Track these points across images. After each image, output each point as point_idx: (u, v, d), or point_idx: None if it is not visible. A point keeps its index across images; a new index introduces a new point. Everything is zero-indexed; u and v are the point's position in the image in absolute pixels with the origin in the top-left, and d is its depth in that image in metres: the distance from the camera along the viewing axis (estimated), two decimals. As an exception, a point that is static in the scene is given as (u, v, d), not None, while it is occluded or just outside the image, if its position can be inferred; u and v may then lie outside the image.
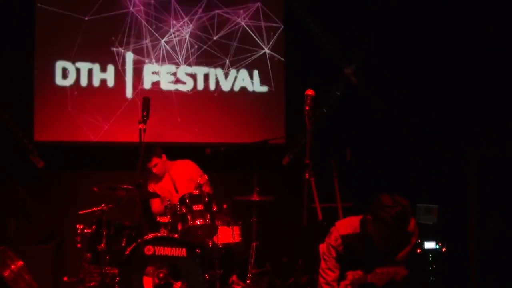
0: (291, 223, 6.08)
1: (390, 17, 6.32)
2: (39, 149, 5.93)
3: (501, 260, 5.29)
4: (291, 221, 6.10)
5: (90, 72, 6.10)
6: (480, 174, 5.56)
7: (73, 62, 6.06)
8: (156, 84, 6.25)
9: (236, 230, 5.16)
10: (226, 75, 6.42)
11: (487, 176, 5.51)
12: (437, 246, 5.43)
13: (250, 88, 6.46)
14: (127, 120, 6.08)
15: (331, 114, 6.48)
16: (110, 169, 5.98)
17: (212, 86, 6.38)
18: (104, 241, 4.63)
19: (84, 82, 6.10)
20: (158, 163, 5.39)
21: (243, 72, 6.45)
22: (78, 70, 6.07)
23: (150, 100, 4.46)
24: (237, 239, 5.15)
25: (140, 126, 4.31)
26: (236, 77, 6.43)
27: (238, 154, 5.97)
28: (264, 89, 6.50)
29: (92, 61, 6.11)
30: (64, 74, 6.05)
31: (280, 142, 6.23)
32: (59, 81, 6.06)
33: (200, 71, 6.35)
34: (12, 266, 4.33)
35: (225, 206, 5.23)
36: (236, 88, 6.43)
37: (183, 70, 6.31)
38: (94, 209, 4.78)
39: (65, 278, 4.92)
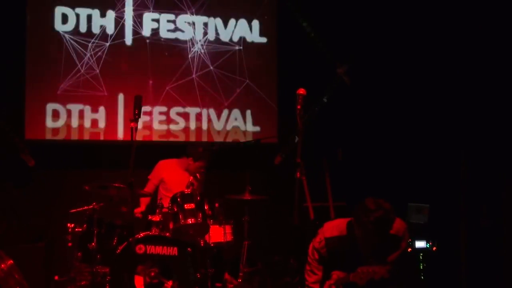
0: (283, 222, 6.06)
1: (383, 16, 6.34)
2: (30, 148, 5.90)
3: (492, 259, 5.33)
4: (283, 220, 6.08)
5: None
6: (471, 174, 5.59)
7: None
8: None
9: (228, 229, 5.16)
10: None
11: (478, 175, 5.54)
12: (428, 245, 5.46)
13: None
14: (119, 119, 6.08)
15: (323, 114, 6.50)
16: (102, 168, 5.96)
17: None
18: (95, 240, 4.60)
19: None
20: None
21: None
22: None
23: (142, 98, 4.45)
24: (229, 238, 5.14)
25: (132, 124, 4.30)
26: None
27: (230, 153, 5.97)
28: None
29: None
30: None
31: (272, 141, 6.24)
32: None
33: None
34: (2, 265, 4.30)
35: (217, 205, 5.22)
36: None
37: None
38: (85, 207, 4.76)
39: (56, 277, 4.88)
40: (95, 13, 6.10)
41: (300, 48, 6.50)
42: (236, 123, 6.47)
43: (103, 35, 6.11)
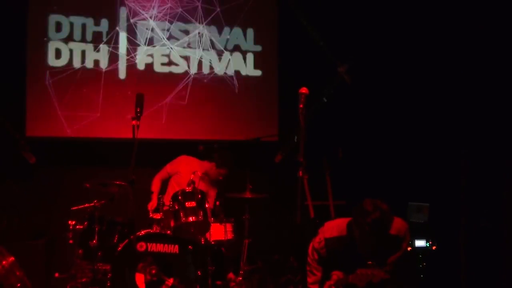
0: (283, 221, 6.10)
1: (384, 15, 6.34)
2: (31, 145, 5.89)
3: (491, 258, 5.34)
4: (283, 218, 6.12)
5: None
6: (471, 173, 5.60)
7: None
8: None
9: (229, 227, 5.18)
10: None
11: (478, 175, 5.55)
12: (428, 245, 5.47)
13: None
14: (120, 116, 6.08)
15: (323, 113, 6.49)
16: (103, 165, 5.97)
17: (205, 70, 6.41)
18: (96, 237, 4.63)
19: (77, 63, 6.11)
20: None
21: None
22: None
23: (144, 96, 4.45)
24: (230, 236, 5.16)
25: (134, 122, 4.29)
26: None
27: (231, 152, 5.97)
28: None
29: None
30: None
31: (273, 140, 6.24)
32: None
33: (193, 53, 6.34)
34: (4, 262, 4.31)
35: (217, 203, 5.24)
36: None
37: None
38: (87, 205, 4.77)
39: (57, 274, 4.90)
40: (89, 47, 6.12)
41: (301, 47, 6.50)
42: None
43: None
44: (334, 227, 3.76)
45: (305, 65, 6.39)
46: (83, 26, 6.11)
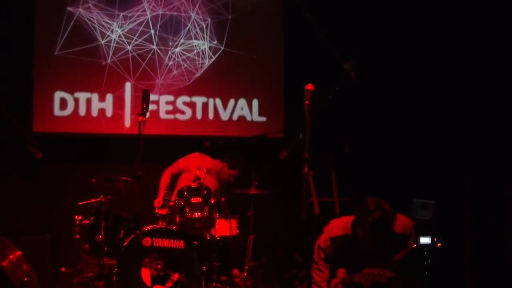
0: (288, 217, 6.10)
1: (390, 12, 6.32)
2: (38, 140, 5.93)
3: (496, 256, 5.33)
4: (288, 214, 6.12)
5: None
6: (476, 170, 5.59)
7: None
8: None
9: (234, 223, 5.18)
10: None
11: (483, 172, 5.55)
12: (433, 242, 5.46)
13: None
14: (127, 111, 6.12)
15: (329, 109, 6.50)
16: (109, 161, 5.99)
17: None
18: (102, 233, 4.64)
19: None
20: None
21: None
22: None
23: (150, 93, 4.47)
24: (235, 232, 5.17)
25: (140, 118, 4.31)
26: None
27: (236, 148, 5.99)
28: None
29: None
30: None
31: (278, 136, 6.24)
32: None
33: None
34: (11, 256, 4.35)
35: (223, 199, 5.25)
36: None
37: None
38: (93, 200, 4.79)
39: (63, 269, 4.92)
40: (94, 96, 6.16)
41: (307, 43, 6.50)
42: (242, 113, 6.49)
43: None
44: (340, 225, 3.76)
45: (311, 61, 6.38)
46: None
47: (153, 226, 4.78)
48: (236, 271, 5.33)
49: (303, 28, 6.46)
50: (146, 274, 4.60)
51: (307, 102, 3.47)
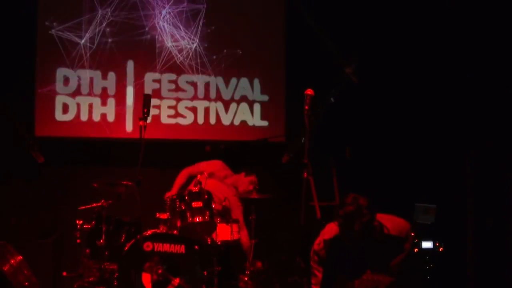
0: (289, 221, 6.08)
1: (392, 16, 6.32)
2: (40, 145, 5.95)
3: (499, 260, 5.32)
4: (290, 219, 6.09)
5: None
6: (478, 174, 5.58)
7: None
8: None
9: (235, 227, 5.17)
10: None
11: (485, 176, 5.53)
12: (435, 246, 5.44)
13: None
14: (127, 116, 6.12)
15: (330, 113, 6.49)
16: (110, 165, 6.00)
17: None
18: (103, 237, 4.65)
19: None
20: None
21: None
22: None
23: (151, 97, 4.47)
24: (236, 236, 5.16)
25: (141, 123, 4.31)
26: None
27: (238, 152, 5.99)
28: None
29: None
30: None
31: (280, 140, 6.24)
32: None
33: (200, 79, 6.36)
34: (12, 261, 4.36)
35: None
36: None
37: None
38: (94, 204, 4.79)
39: (64, 273, 4.93)
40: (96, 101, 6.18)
41: (308, 47, 6.50)
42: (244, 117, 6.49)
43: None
44: (333, 228, 3.73)
45: (313, 65, 6.39)
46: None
47: (154, 230, 4.77)
48: (238, 276, 5.32)
49: (304, 32, 6.47)
50: (147, 279, 4.58)
51: (306, 107, 3.47)
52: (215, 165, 5.48)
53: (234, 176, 5.52)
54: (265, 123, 6.49)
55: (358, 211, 3.41)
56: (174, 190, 5.27)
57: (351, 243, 3.52)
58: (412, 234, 3.79)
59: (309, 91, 3.51)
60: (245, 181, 5.46)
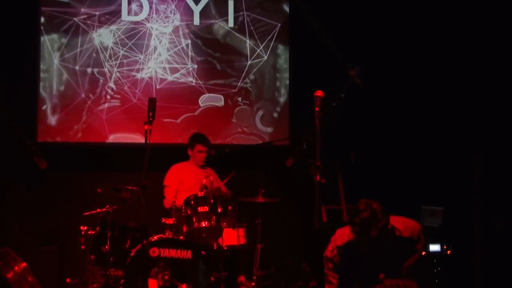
0: (296, 225, 6.06)
1: (397, 19, 6.30)
2: (43, 150, 5.89)
3: (507, 262, 5.27)
4: (296, 223, 6.08)
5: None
6: (485, 176, 5.54)
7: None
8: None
9: (241, 232, 5.15)
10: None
11: (492, 178, 5.49)
12: (442, 249, 5.40)
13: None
14: (131, 121, 6.08)
15: (336, 116, 6.45)
16: (115, 170, 5.96)
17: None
18: (108, 243, 4.60)
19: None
20: None
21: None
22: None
23: (156, 101, 4.43)
24: (242, 241, 5.13)
25: (146, 127, 4.28)
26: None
27: (243, 156, 5.95)
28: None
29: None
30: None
31: (284, 143, 6.21)
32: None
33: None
34: (16, 268, 4.31)
35: (230, 207, 5.21)
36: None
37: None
38: (98, 210, 4.75)
39: (68, 280, 4.88)
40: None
41: (312, 50, 6.47)
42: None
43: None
44: (345, 233, 3.71)
45: (317, 69, 6.36)
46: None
47: (160, 236, 4.73)
48: (242, 278, 5.28)
49: (308, 36, 6.44)
50: (153, 285, 4.55)
51: (317, 109, 3.43)
52: (179, 168, 5.52)
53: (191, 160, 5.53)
54: (269, 127, 6.46)
55: (373, 217, 3.38)
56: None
57: (369, 250, 3.48)
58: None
59: (319, 93, 3.48)
60: (194, 151, 5.48)
